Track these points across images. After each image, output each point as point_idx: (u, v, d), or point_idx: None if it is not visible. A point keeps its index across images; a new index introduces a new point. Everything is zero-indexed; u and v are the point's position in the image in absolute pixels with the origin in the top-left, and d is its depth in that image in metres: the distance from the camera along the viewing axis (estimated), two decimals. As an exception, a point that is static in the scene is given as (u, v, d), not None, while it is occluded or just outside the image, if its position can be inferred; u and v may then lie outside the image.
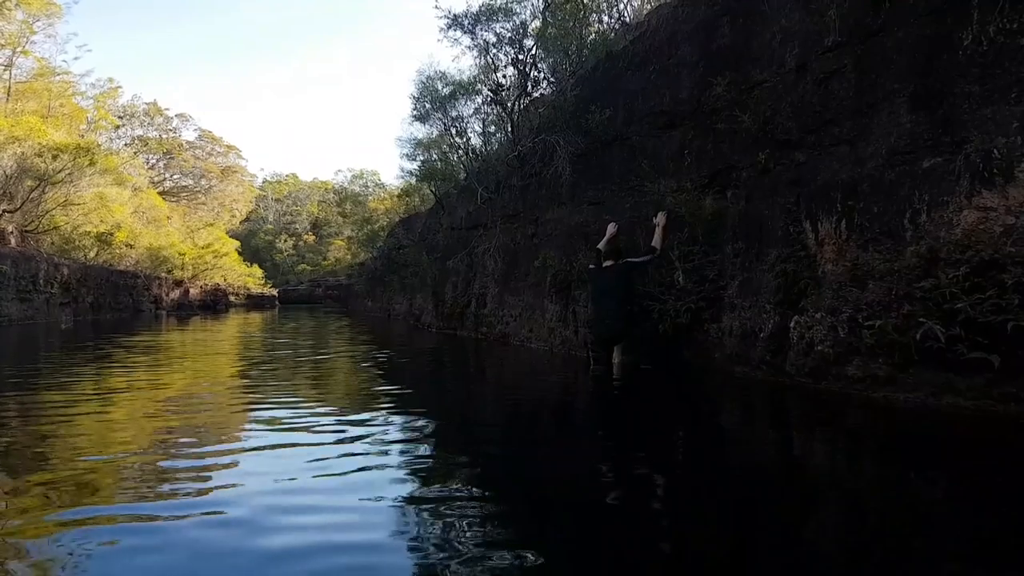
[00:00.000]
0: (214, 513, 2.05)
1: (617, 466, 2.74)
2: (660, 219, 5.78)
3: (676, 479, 2.54)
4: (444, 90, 12.61)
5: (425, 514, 2.05)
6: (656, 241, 5.74)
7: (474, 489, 2.31)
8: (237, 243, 35.92)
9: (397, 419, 3.63)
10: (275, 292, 37.93)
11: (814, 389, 4.10)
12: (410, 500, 2.19)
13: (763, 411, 4.05)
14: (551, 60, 10.07)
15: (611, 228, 6.00)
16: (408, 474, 2.53)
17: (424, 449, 3.02)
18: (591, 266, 6.05)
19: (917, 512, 2.13)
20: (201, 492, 2.27)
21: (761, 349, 4.72)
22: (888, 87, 4.24)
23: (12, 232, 15.36)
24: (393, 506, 2.12)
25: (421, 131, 15.15)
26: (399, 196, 23.41)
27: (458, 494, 2.26)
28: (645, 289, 5.92)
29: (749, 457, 2.91)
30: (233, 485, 2.35)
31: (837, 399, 3.87)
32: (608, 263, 5.84)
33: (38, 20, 20.66)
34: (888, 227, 3.95)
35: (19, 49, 20.46)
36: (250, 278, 35.87)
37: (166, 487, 2.34)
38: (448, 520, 1.98)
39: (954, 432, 3.17)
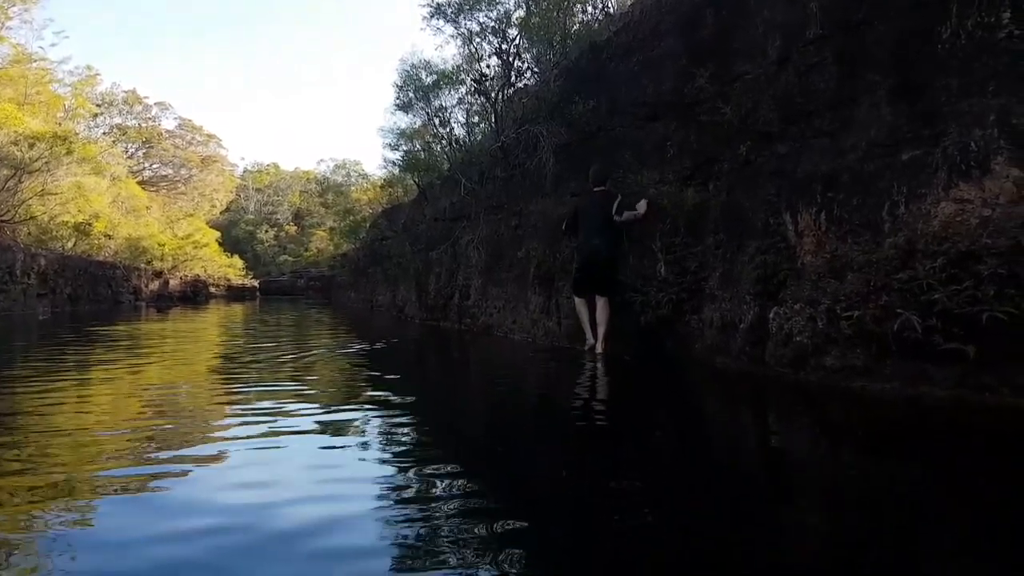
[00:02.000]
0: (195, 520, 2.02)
1: (599, 457, 2.74)
2: (643, 204, 6.00)
3: (657, 470, 2.54)
4: (427, 79, 12.54)
5: (408, 510, 2.03)
6: (641, 208, 5.97)
7: (456, 481, 2.30)
8: (217, 233, 35.47)
9: (379, 411, 3.61)
10: (256, 283, 37.55)
11: (793, 379, 4.14)
12: (392, 493, 2.17)
13: (743, 401, 4.08)
14: (535, 50, 10.04)
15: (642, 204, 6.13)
16: (391, 466, 2.51)
17: (406, 440, 3.01)
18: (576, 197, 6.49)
19: (895, 499, 2.15)
20: (177, 477, 2.24)
21: (741, 340, 4.75)
22: (869, 80, 4.27)
23: (-13, 223, 15.10)
24: (375, 500, 2.10)
25: (404, 121, 15.04)
26: (382, 187, 23.21)
27: (440, 490, 2.24)
28: (627, 280, 5.97)
29: (729, 446, 2.93)
30: (210, 475, 2.32)
31: (816, 389, 3.91)
32: (599, 188, 6.23)
33: (14, 5, 20.14)
34: (867, 219, 3.99)
35: (-6, 35, 20.00)
36: (230, 269, 35.47)
37: (143, 482, 2.30)
38: (431, 518, 1.96)
39: (930, 421, 3.21)
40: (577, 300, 6.33)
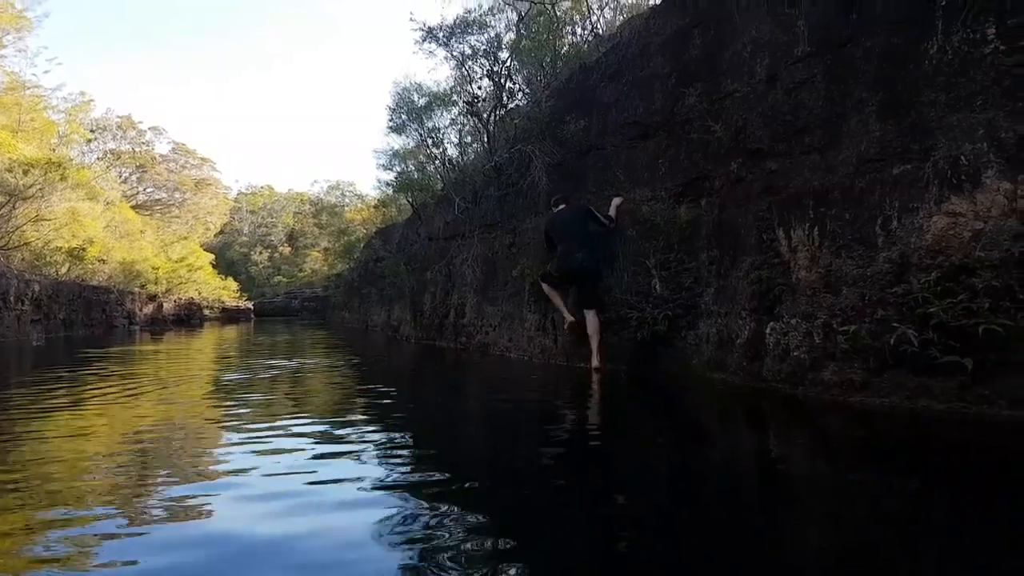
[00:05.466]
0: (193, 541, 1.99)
1: (598, 473, 2.72)
2: (616, 201, 6.34)
3: (654, 488, 2.53)
4: (420, 101, 12.60)
5: (409, 529, 2.01)
6: (611, 212, 6.28)
7: (456, 498, 2.27)
8: (211, 256, 35.43)
9: (376, 435, 3.58)
10: (251, 305, 37.39)
11: (791, 394, 4.13)
12: (391, 513, 2.15)
13: (741, 417, 4.06)
14: (526, 72, 10.13)
15: (616, 201, 6.45)
16: (389, 486, 2.48)
17: (404, 461, 2.98)
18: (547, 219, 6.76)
19: (896, 515, 2.14)
20: (176, 513, 2.21)
21: (738, 355, 4.75)
22: (857, 96, 4.31)
23: (-18, 249, 15.03)
24: (374, 523, 2.08)
25: (397, 142, 15.09)
26: (376, 207, 23.29)
27: (440, 506, 2.22)
28: (623, 296, 5.98)
29: (729, 463, 2.91)
30: (215, 493, 2.29)
31: (814, 404, 3.90)
32: (561, 206, 6.57)
33: (8, 34, 20.29)
34: (860, 234, 4.01)
35: (-12, 63, 20.08)
36: (225, 291, 35.35)
37: (138, 506, 2.27)
38: (432, 535, 1.94)
39: (929, 435, 3.20)
40: (545, 286, 6.61)
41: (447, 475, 2.68)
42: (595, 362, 5.91)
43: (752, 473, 2.76)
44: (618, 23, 9.81)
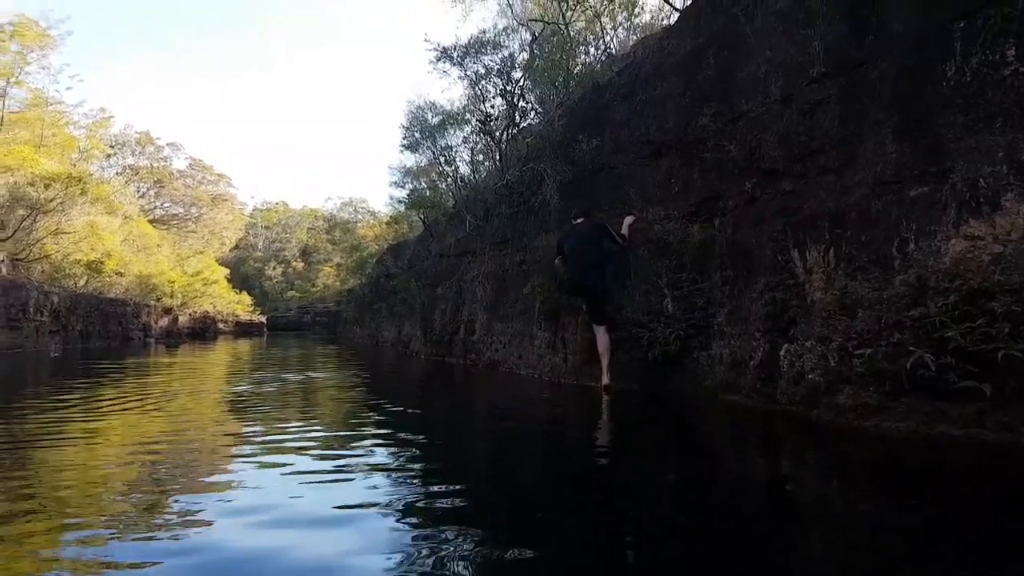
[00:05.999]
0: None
1: (609, 494, 2.67)
2: (628, 219, 6.29)
3: (666, 509, 2.47)
4: (433, 120, 12.71)
5: (419, 548, 1.98)
6: (624, 230, 6.21)
7: (464, 514, 2.24)
8: (226, 270, 35.69)
9: (385, 449, 3.55)
10: (264, 319, 37.59)
11: (805, 417, 4.06)
12: (400, 529, 2.12)
13: (754, 440, 3.99)
14: (538, 91, 10.18)
15: (628, 219, 6.38)
16: (398, 503, 2.45)
17: (415, 477, 2.94)
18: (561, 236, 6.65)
19: (911, 543, 2.08)
20: (186, 524, 2.19)
21: (752, 377, 4.68)
22: (873, 117, 4.28)
23: (3, 261, 15.19)
24: (384, 538, 2.05)
25: (410, 159, 15.23)
26: (388, 223, 23.42)
27: (447, 524, 2.19)
28: (634, 316, 5.93)
29: (741, 487, 2.85)
30: (217, 514, 2.27)
31: (829, 428, 3.83)
32: (579, 220, 6.44)
33: (32, 51, 20.69)
34: (876, 256, 3.95)
35: (13, 80, 20.44)
36: (239, 305, 35.57)
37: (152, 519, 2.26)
38: (441, 549, 1.92)
39: (946, 461, 3.13)
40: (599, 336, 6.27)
41: (456, 490, 2.66)
42: (605, 379, 5.85)
43: (764, 498, 2.70)
44: (631, 43, 9.84)
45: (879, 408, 3.69)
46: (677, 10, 9.07)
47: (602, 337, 5.97)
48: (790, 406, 4.24)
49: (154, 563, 1.83)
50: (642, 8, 10.96)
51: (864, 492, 2.75)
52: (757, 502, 2.63)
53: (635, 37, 10.16)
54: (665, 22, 9.96)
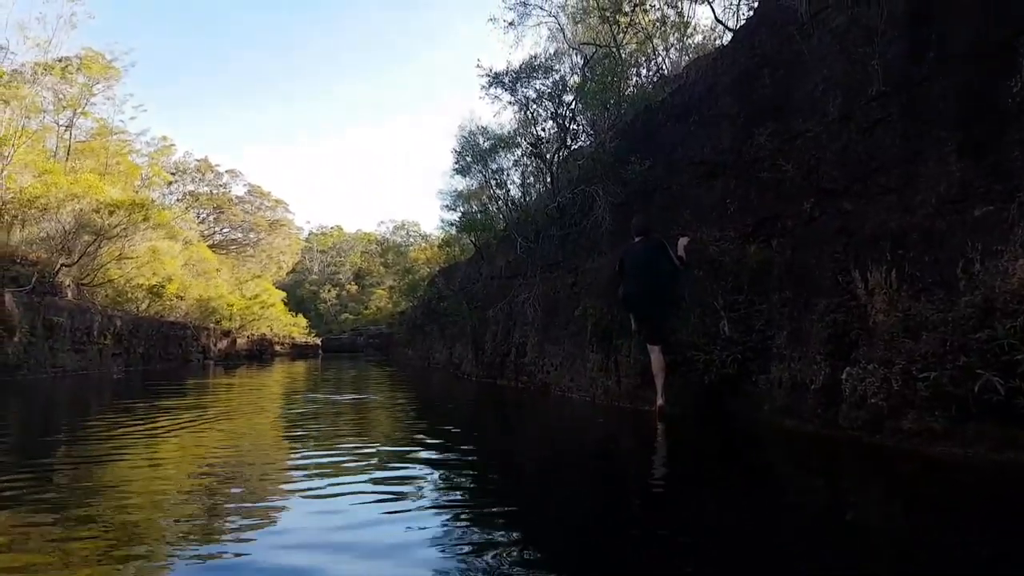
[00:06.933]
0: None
1: (664, 520, 2.66)
2: (683, 241, 6.06)
3: (725, 535, 2.45)
4: (485, 144, 12.89)
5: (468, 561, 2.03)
6: (680, 251, 6.00)
7: (515, 537, 2.28)
8: (283, 294, 36.71)
9: (438, 473, 3.62)
10: (318, 341, 38.44)
11: (868, 443, 3.95)
12: (453, 548, 2.17)
13: (816, 467, 3.90)
14: (590, 113, 10.26)
15: (683, 241, 6.15)
16: (449, 531, 2.51)
17: (466, 504, 3.00)
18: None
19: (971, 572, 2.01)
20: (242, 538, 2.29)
21: (812, 401, 4.59)
22: (935, 135, 4.20)
23: (69, 285, 15.94)
24: (434, 552, 2.11)
25: (462, 183, 15.46)
26: (439, 246, 23.75)
27: (499, 546, 2.23)
28: (689, 338, 5.88)
29: (804, 516, 2.80)
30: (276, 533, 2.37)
31: (893, 454, 3.72)
32: (639, 238, 6.30)
33: (98, 83, 21.85)
34: (940, 277, 3.85)
35: (79, 110, 21.61)
36: (295, 328, 36.48)
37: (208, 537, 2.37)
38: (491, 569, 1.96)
39: (1015, 489, 3.01)
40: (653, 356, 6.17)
41: (509, 518, 2.68)
42: (659, 400, 5.79)
43: (825, 526, 2.65)
44: (683, 64, 9.85)
45: (945, 433, 3.58)
46: (730, 30, 9.05)
47: (657, 357, 5.92)
48: (852, 431, 4.14)
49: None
50: (694, 29, 10.98)
51: (931, 522, 2.67)
52: (816, 531, 2.59)
53: (687, 58, 10.16)
54: (718, 42, 9.94)
